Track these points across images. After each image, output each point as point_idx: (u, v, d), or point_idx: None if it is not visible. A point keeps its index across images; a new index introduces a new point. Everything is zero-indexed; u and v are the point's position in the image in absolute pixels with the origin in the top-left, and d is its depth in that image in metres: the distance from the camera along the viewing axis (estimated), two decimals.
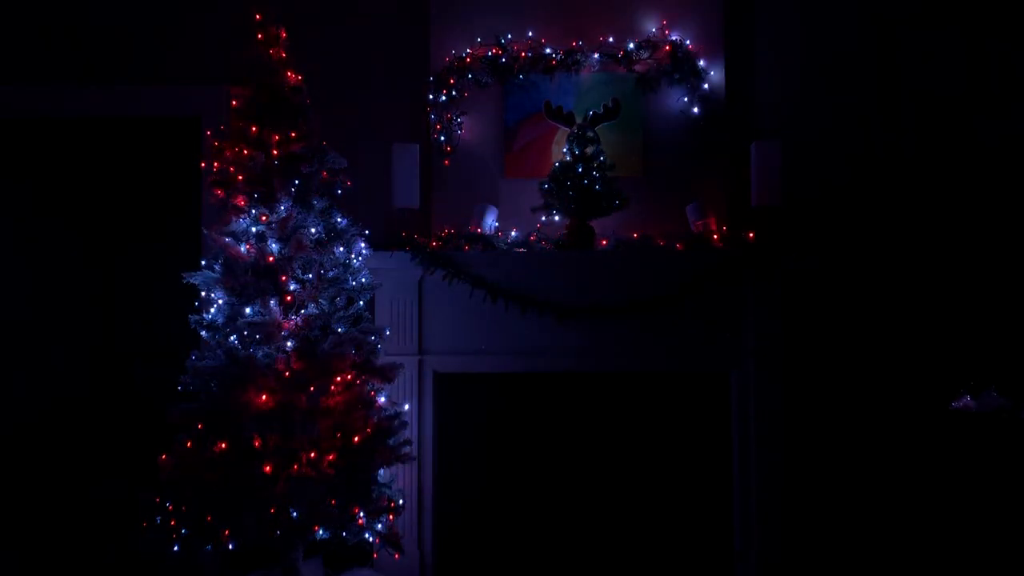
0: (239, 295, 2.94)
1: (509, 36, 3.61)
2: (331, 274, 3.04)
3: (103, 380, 3.85)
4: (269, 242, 2.96)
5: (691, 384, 3.50)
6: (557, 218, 3.48)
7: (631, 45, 3.57)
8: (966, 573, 3.05)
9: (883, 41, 3.72)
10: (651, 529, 3.50)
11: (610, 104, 3.52)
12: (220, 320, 2.96)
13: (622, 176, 3.51)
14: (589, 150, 3.42)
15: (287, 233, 2.97)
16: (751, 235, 3.41)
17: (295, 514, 2.78)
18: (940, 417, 3.24)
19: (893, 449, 3.52)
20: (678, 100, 3.60)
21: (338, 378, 2.94)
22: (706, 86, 3.56)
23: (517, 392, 3.53)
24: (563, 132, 3.53)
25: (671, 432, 3.50)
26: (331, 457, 2.86)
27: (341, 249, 3.07)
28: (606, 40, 3.59)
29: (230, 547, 2.81)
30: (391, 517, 3.03)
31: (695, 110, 3.56)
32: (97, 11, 3.77)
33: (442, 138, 3.61)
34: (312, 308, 2.96)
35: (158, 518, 2.84)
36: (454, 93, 3.60)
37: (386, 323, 3.40)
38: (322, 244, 3.02)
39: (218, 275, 2.97)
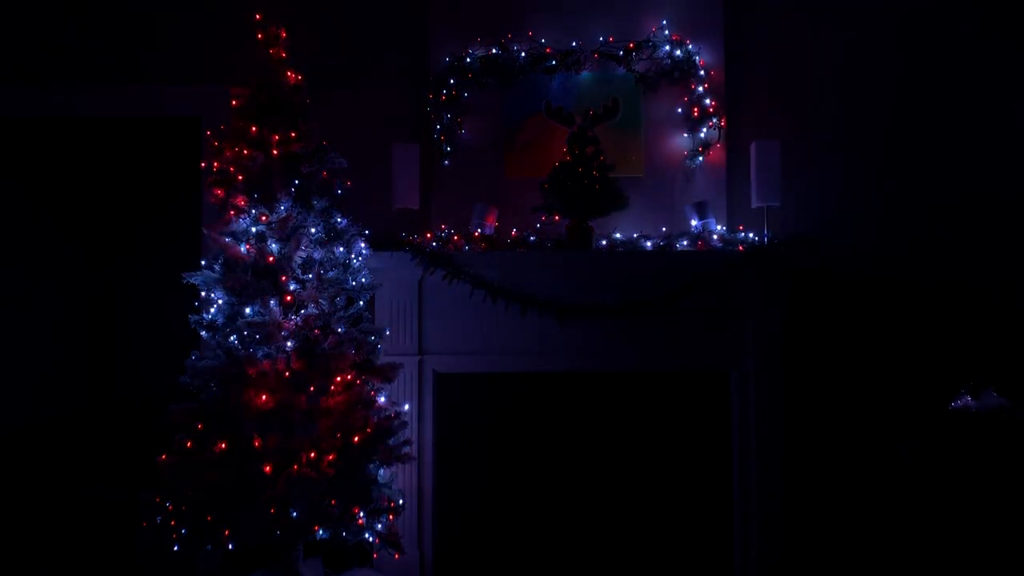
0: (239, 295, 2.94)
1: (509, 36, 3.61)
2: (331, 274, 3.04)
3: (103, 380, 3.85)
4: (269, 242, 2.96)
5: (691, 383, 3.50)
6: (557, 218, 3.48)
7: (631, 45, 3.57)
8: (966, 573, 3.04)
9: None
10: (651, 528, 3.50)
11: (610, 104, 3.52)
12: (220, 320, 2.96)
13: (622, 176, 3.51)
14: (589, 150, 3.42)
15: (287, 233, 2.96)
16: (751, 235, 3.41)
17: (295, 514, 2.77)
18: (940, 417, 3.24)
19: (893, 448, 3.52)
20: (678, 99, 3.60)
21: (338, 378, 2.93)
22: (706, 85, 3.56)
23: (517, 392, 3.53)
24: (563, 132, 3.53)
25: (671, 431, 3.50)
26: (331, 457, 2.86)
27: (341, 249, 3.07)
28: (606, 40, 3.59)
29: (230, 547, 2.81)
30: (391, 517, 3.03)
31: (694, 110, 3.56)
32: (97, 11, 3.77)
33: (442, 138, 3.61)
34: (312, 308, 2.96)
35: (158, 518, 2.84)
36: (454, 93, 3.60)
37: (386, 323, 3.40)
38: (322, 244, 3.02)
39: (218, 275, 2.97)
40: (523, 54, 3.59)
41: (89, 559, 3.64)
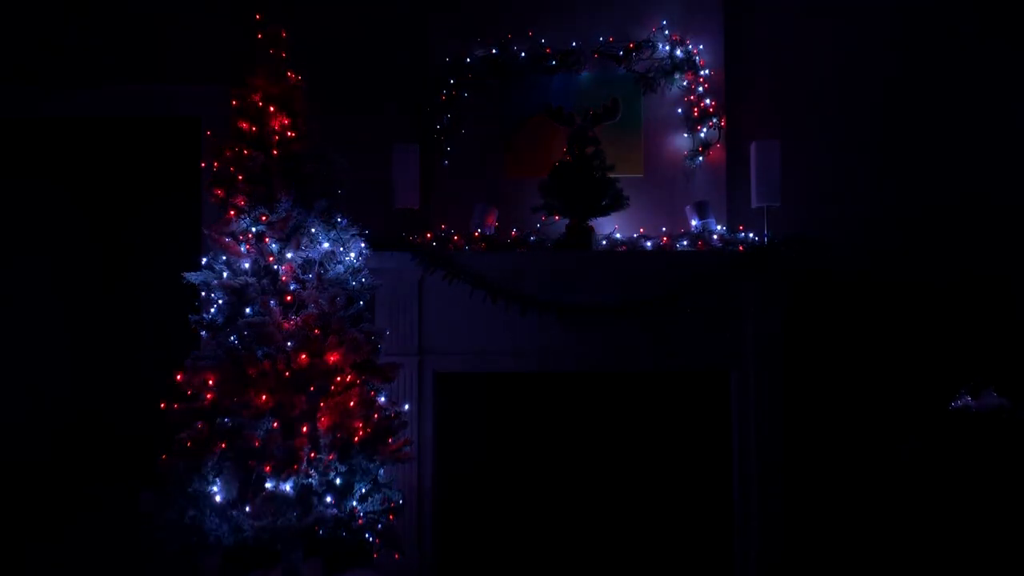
0: (239, 295, 2.94)
1: (509, 36, 3.61)
2: (331, 274, 3.04)
3: (103, 380, 3.85)
4: (269, 242, 2.96)
5: (691, 384, 3.50)
6: (557, 218, 3.48)
7: (631, 45, 3.57)
8: (966, 573, 3.04)
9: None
10: (651, 529, 3.50)
11: (610, 104, 3.52)
12: (220, 320, 2.96)
13: (622, 176, 3.51)
14: (589, 150, 3.42)
15: (287, 233, 2.96)
16: (751, 235, 3.41)
17: (295, 514, 2.78)
18: (940, 417, 3.24)
19: (893, 448, 3.52)
20: (678, 100, 3.60)
21: (338, 378, 2.93)
22: (706, 85, 3.56)
23: (517, 392, 3.53)
24: (563, 132, 3.52)
25: (671, 432, 3.50)
26: (331, 457, 2.86)
27: (341, 249, 3.07)
28: (606, 40, 3.59)
29: (230, 547, 2.81)
30: (391, 517, 3.03)
31: (694, 110, 3.56)
32: (97, 11, 3.77)
33: (442, 138, 3.61)
34: (312, 308, 2.95)
35: (159, 518, 2.83)
36: (454, 93, 3.60)
37: (386, 323, 3.40)
38: (322, 244, 3.02)
39: (218, 275, 2.97)
40: (523, 54, 3.59)
41: (89, 559, 3.64)
